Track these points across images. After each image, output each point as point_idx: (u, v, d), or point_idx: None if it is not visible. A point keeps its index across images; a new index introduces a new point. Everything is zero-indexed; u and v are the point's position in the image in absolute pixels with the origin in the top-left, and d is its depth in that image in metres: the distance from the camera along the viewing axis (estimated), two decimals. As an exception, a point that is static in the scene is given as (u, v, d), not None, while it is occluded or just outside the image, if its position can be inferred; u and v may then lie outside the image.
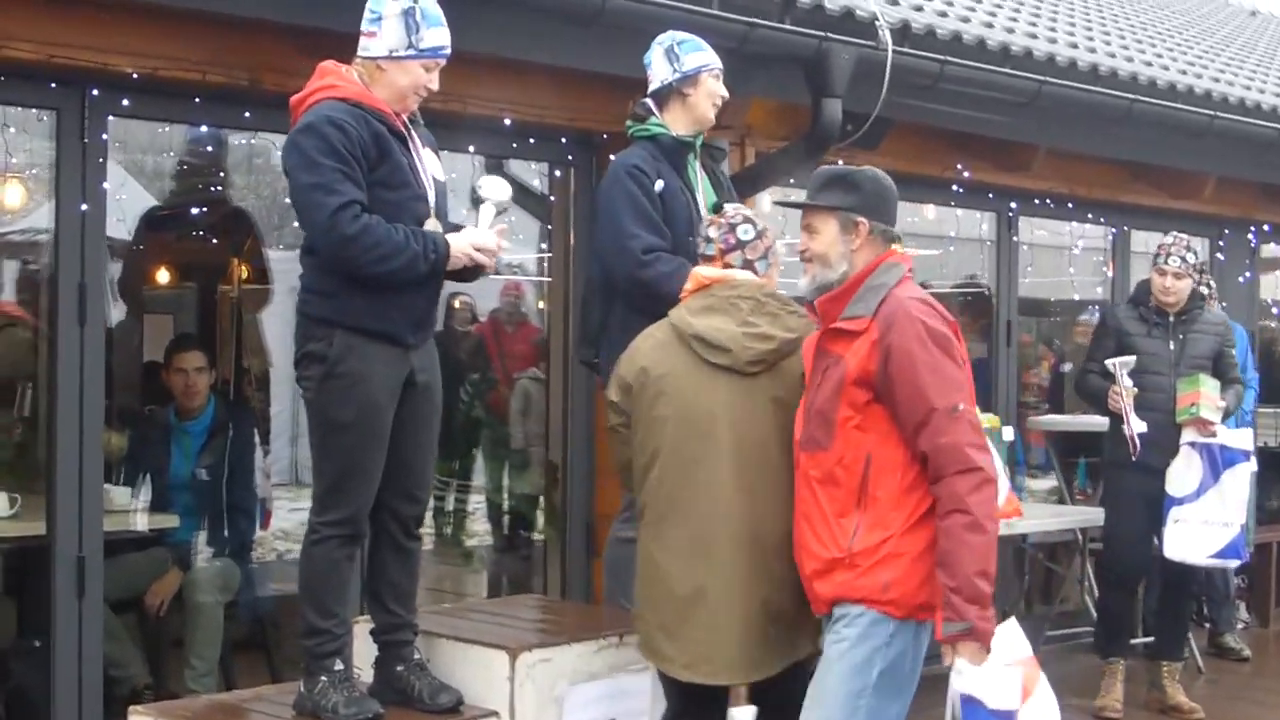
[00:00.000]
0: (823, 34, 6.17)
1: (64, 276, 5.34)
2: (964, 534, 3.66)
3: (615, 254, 5.00)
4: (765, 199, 6.86)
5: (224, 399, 7.11)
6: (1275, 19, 13.74)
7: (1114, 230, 9.43)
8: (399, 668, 4.37)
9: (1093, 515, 7.70)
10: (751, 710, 4.14)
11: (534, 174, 7.19)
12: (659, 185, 5.00)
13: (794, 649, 4.16)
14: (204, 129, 8.18)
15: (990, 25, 7.56)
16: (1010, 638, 3.82)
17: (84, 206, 5.34)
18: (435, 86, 4.21)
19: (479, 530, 10.06)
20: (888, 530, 3.80)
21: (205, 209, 9.46)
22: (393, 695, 4.32)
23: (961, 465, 3.70)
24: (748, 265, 4.32)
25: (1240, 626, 8.89)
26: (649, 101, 5.14)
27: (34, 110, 5.65)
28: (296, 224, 4.25)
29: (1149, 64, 8.45)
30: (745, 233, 4.34)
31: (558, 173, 6.79)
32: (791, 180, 6.61)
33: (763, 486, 4.10)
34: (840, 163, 5.23)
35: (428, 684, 4.33)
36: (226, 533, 6.60)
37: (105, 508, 5.60)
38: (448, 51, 4.22)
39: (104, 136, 5.41)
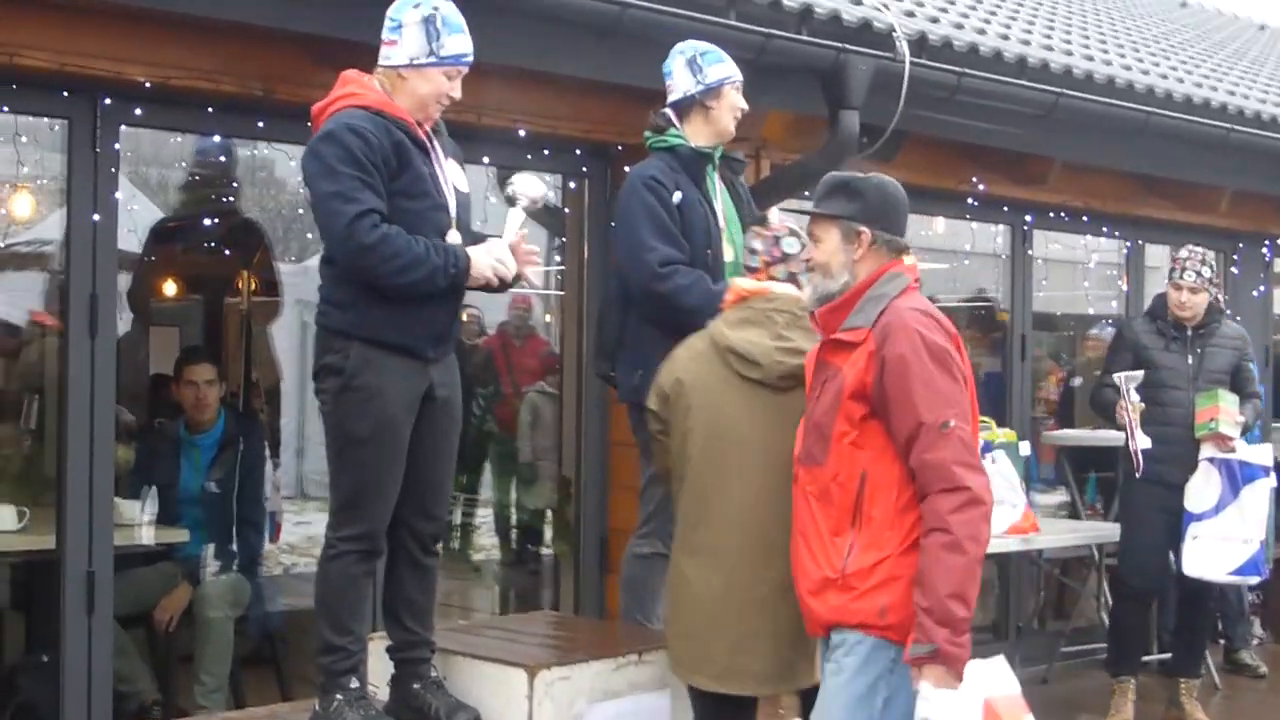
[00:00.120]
0: (840, 45, 6.13)
1: (75, 287, 5.29)
2: (941, 553, 3.53)
3: (632, 266, 4.95)
4: (774, 210, 6.80)
5: (234, 412, 7.05)
6: (1285, 34, 13.71)
7: (1128, 244, 9.38)
8: (415, 686, 4.30)
9: (1109, 531, 7.64)
10: None
11: (548, 186, 7.13)
12: (677, 197, 4.95)
13: None
14: (210, 140, 8.16)
15: (1006, 37, 7.52)
16: (996, 673, 3.68)
17: (96, 217, 5.30)
18: (458, 95, 4.16)
19: (486, 544, 10.02)
20: (883, 551, 3.67)
21: (213, 220, 9.41)
22: (409, 714, 4.26)
23: (946, 484, 3.57)
24: (791, 278, 4.30)
25: (1255, 642, 8.82)
26: (669, 112, 5.09)
27: (45, 119, 5.59)
28: (310, 235, 4.20)
29: (1164, 77, 8.41)
30: (790, 245, 4.33)
31: (572, 184, 6.74)
32: (807, 193, 6.54)
33: (792, 500, 4.04)
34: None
35: (444, 702, 4.26)
36: (236, 547, 6.56)
37: (114, 521, 5.54)
38: (470, 59, 4.17)
39: (116, 146, 5.37)
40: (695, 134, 5.06)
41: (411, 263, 3.96)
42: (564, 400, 7.07)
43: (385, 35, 4.13)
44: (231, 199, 9.50)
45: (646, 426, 5.09)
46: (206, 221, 9.47)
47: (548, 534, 9.21)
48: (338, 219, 3.91)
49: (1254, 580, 7.20)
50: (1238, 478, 6.83)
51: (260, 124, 5.73)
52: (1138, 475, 6.75)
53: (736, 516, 4.11)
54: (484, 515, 9.98)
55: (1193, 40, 11.07)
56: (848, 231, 3.85)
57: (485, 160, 6.26)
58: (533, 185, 4.38)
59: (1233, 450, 6.81)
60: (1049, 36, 8.23)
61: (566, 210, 6.84)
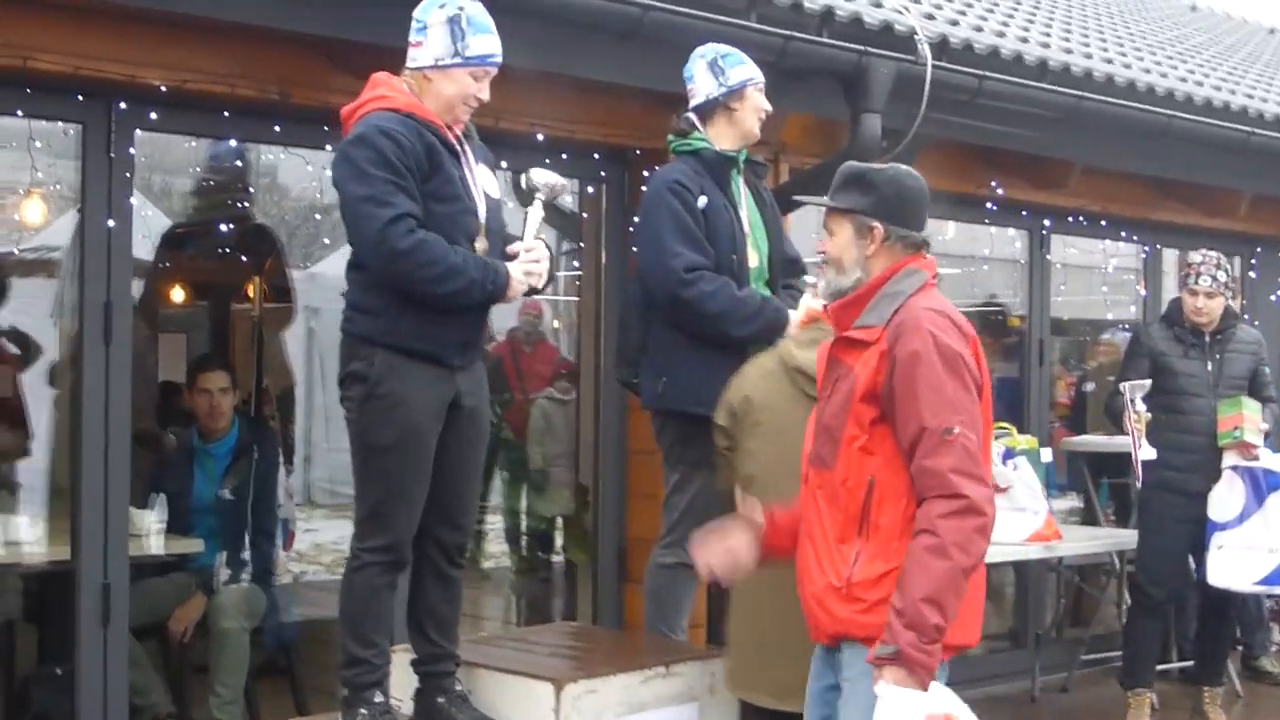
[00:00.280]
0: (863, 48, 6.06)
1: (89, 294, 5.22)
2: (923, 555, 3.39)
3: (656, 272, 4.89)
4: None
5: (247, 419, 6.97)
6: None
7: (1146, 248, 9.31)
8: (440, 699, 4.24)
9: (1129, 538, 7.56)
10: None
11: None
12: (702, 201, 4.90)
13: None
14: (220, 144, 8.09)
15: (1025, 40, 7.45)
16: (947, 701, 3.46)
17: (110, 223, 5.22)
18: (485, 96, 4.09)
19: (496, 552, 9.95)
20: (890, 563, 3.52)
21: (224, 226, 9.33)
22: (434, 728, 4.19)
23: (942, 490, 3.42)
24: None
25: (1274, 649, 8.74)
26: (692, 116, 5.03)
27: (59, 124, 5.51)
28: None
29: (1183, 80, 8.35)
30: None
31: (590, 189, 6.67)
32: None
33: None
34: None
35: (469, 716, 4.20)
36: (250, 556, 6.47)
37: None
38: (498, 60, 4.10)
39: (131, 151, 5.29)
40: (719, 137, 5.01)
41: (448, 272, 3.89)
42: (581, 407, 7.00)
43: (412, 37, 4.07)
44: (244, 203, 9.43)
45: (671, 434, 5.05)
46: (216, 226, 9.38)
47: (559, 542, 9.15)
48: (370, 223, 3.84)
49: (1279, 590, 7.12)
50: (1262, 486, 6.74)
51: (276, 128, 5.65)
52: (1138, 485, 6.67)
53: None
54: (494, 522, 9.92)
55: (1206, 44, 11.00)
56: (860, 226, 3.68)
57: (503, 165, 6.16)
58: (550, 175, 4.33)
59: (1257, 458, 6.73)
60: (1066, 39, 8.16)
61: (584, 215, 6.76)
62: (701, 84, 5.01)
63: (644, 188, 5.33)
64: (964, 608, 3.55)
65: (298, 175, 8.72)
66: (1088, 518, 8.92)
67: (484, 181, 4.15)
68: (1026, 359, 8.58)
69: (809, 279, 4.58)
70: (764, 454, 4.17)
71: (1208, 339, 6.84)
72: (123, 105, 5.21)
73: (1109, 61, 7.88)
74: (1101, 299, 10.43)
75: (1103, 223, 8.78)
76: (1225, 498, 6.75)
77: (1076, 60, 7.44)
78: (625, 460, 6.57)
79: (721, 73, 4.98)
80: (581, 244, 6.83)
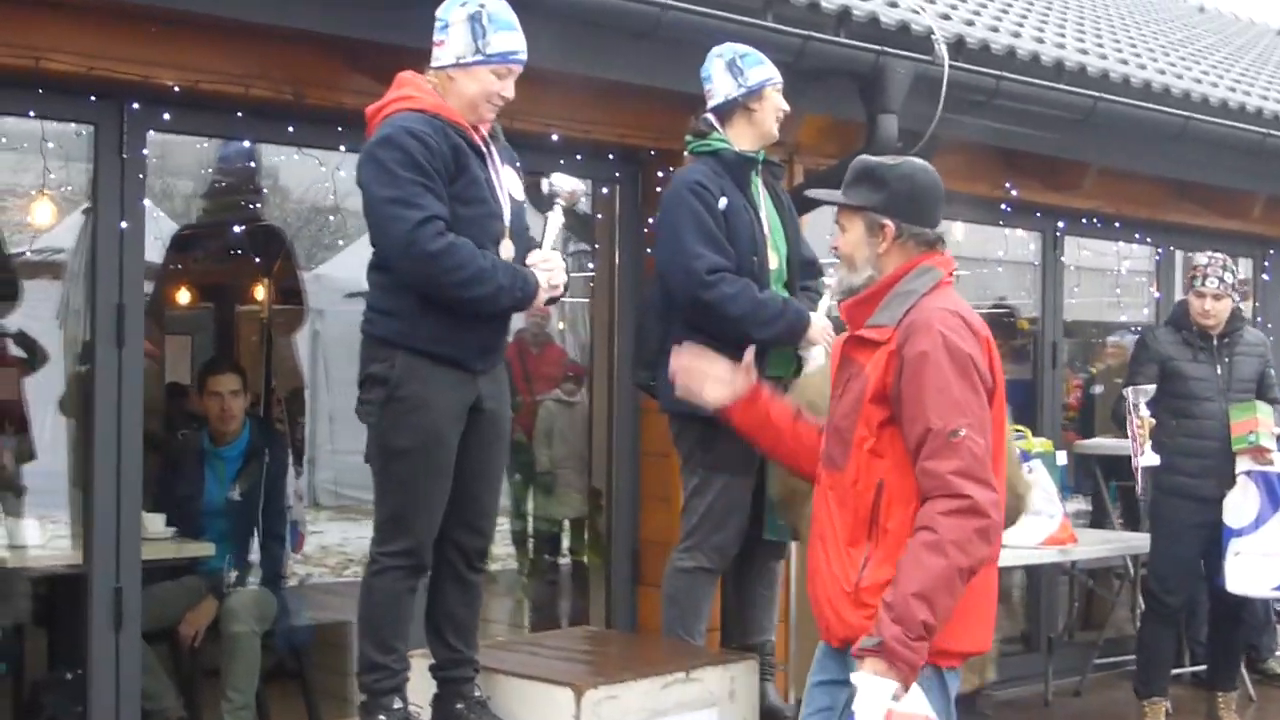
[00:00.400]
0: (880, 48, 6.01)
1: (101, 296, 5.17)
2: (919, 551, 3.32)
3: (677, 274, 4.84)
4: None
5: (258, 421, 6.92)
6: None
7: (1160, 250, 9.27)
8: (459, 705, 4.20)
9: (1143, 542, 7.50)
10: None
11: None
12: (723, 203, 4.85)
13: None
14: (231, 145, 8.05)
15: (1041, 40, 7.41)
16: (918, 706, 3.37)
17: (123, 224, 5.17)
18: (510, 95, 4.04)
19: (503, 554, 9.90)
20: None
21: (234, 228, 9.29)
22: (453, 734, 4.14)
23: (944, 491, 3.36)
24: None
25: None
26: (710, 117, 4.99)
27: (72, 125, 5.45)
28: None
29: (1198, 81, 8.31)
30: None
31: (604, 190, 6.62)
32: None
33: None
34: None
35: (489, 722, 4.16)
36: (261, 560, 6.43)
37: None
38: (521, 57, 4.05)
39: (144, 152, 5.24)
40: (738, 137, 4.97)
41: (476, 276, 3.84)
42: (594, 410, 6.95)
43: (435, 36, 4.03)
44: (255, 204, 9.38)
45: (690, 437, 4.99)
46: (226, 228, 9.34)
47: (567, 544, 9.09)
48: (398, 225, 3.79)
49: (1298, 596, 7.07)
50: (1277, 491, 6.67)
51: (290, 129, 5.59)
52: (1138, 492, 6.62)
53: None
54: (500, 524, 9.86)
55: (1216, 45, 10.96)
56: (872, 224, 3.60)
57: (517, 165, 6.14)
58: (571, 180, 4.29)
59: (1271, 463, 6.67)
60: (1081, 39, 8.12)
61: (598, 216, 6.71)
62: (720, 84, 4.96)
63: (659, 189, 5.28)
64: (975, 613, 3.52)
65: (308, 176, 8.66)
66: (1097, 520, 8.88)
67: (509, 184, 4.11)
68: (1039, 361, 8.53)
69: (827, 280, 4.52)
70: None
71: (1215, 342, 6.78)
72: (135, 106, 5.15)
73: (1124, 62, 7.84)
74: (1114, 301, 10.38)
75: (1117, 224, 8.74)
76: (1240, 504, 6.69)
77: (1093, 61, 7.39)
78: (639, 463, 6.52)
79: (740, 73, 4.94)
80: (595, 245, 6.78)
